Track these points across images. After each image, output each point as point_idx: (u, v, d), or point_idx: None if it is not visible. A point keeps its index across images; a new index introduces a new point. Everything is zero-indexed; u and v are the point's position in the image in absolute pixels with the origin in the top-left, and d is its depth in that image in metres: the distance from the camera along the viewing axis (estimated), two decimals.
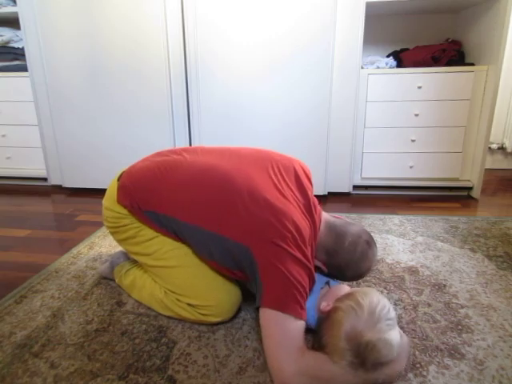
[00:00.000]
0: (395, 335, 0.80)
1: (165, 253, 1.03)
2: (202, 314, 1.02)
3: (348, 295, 0.88)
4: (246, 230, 0.90)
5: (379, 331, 0.78)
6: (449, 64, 2.09)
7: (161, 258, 1.04)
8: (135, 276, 1.17)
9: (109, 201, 1.09)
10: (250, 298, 1.17)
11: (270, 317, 0.85)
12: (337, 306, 0.87)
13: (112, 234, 1.13)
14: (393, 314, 0.82)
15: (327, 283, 1.04)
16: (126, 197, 1.05)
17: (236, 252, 0.91)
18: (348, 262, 1.01)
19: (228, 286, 1.04)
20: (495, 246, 1.50)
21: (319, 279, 1.02)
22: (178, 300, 1.04)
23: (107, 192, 1.11)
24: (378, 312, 0.81)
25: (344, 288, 0.98)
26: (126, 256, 1.27)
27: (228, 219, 0.92)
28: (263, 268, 0.87)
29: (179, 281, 1.03)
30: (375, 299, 0.84)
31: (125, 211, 1.05)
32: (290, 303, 0.84)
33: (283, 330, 0.83)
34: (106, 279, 1.29)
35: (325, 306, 0.91)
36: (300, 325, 0.85)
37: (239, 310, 1.11)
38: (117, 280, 1.24)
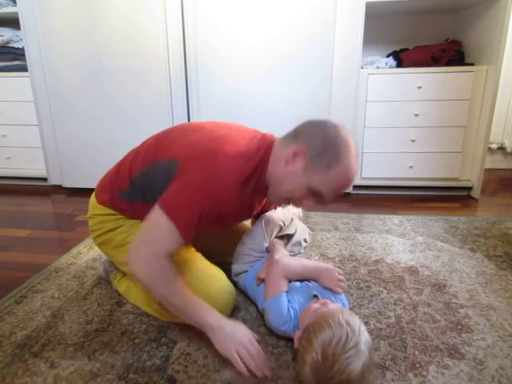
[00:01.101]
0: (357, 365, 0.72)
1: None
2: None
3: (305, 329, 0.83)
4: (183, 144, 0.95)
5: (339, 373, 0.71)
6: (449, 64, 2.09)
7: None
8: (128, 284, 1.17)
9: (90, 210, 1.13)
10: (249, 298, 1.17)
11: (155, 216, 0.87)
12: (298, 348, 0.83)
13: (101, 245, 1.14)
14: (352, 342, 0.74)
15: (315, 296, 0.99)
16: (102, 192, 1.10)
17: (169, 169, 0.93)
18: (328, 144, 0.91)
19: (220, 284, 1.03)
20: (495, 246, 1.50)
21: (306, 290, 1.01)
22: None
23: (89, 205, 1.14)
24: (332, 352, 0.72)
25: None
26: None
27: (175, 143, 0.97)
28: (181, 177, 0.89)
29: None
30: (327, 334, 0.75)
31: (107, 210, 1.07)
32: (180, 216, 0.86)
33: (157, 232, 0.87)
34: (106, 279, 1.29)
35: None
36: (175, 240, 0.86)
37: (239, 310, 1.11)
38: (113, 285, 1.24)
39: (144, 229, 0.89)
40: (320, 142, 0.92)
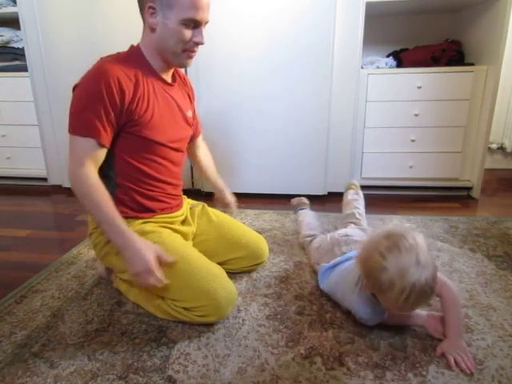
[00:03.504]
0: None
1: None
2: (199, 316, 1.01)
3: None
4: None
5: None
6: (448, 64, 2.09)
7: None
8: (130, 282, 1.16)
9: (90, 226, 1.16)
10: (248, 299, 1.17)
11: (69, 142, 0.99)
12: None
13: (105, 257, 1.14)
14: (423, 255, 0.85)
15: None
16: None
17: None
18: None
19: (221, 282, 1.03)
20: (495, 246, 1.50)
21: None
22: (174, 305, 1.03)
23: (88, 226, 1.17)
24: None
25: None
26: None
27: None
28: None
29: (171, 284, 1.00)
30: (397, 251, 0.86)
31: None
32: (80, 124, 0.97)
33: (73, 149, 0.99)
34: (107, 279, 1.29)
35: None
36: (89, 145, 0.97)
37: (239, 310, 1.11)
38: (114, 284, 1.24)
39: (68, 154, 1.00)
40: None
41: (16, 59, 2.35)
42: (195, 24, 1.00)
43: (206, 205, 1.36)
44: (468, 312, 1.09)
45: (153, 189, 1.13)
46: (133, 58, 1.06)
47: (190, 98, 1.26)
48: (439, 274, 0.92)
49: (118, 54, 1.07)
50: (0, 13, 2.26)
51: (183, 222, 1.25)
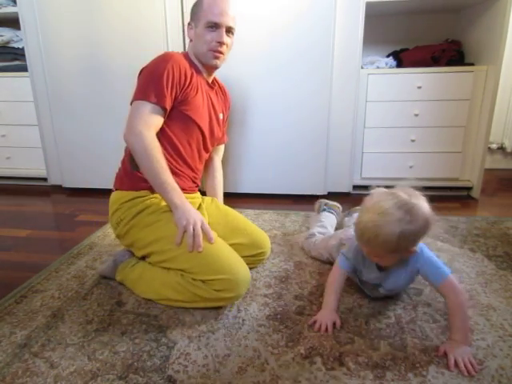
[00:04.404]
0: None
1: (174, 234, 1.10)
2: (216, 290, 1.05)
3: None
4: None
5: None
6: (448, 64, 2.09)
7: (173, 241, 1.09)
8: (144, 268, 1.19)
9: (114, 205, 1.23)
10: (248, 299, 1.17)
11: (131, 108, 1.15)
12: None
13: (129, 232, 1.19)
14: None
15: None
16: (121, 182, 1.24)
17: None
18: (194, 3, 1.24)
19: (240, 261, 1.12)
20: (495, 246, 1.50)
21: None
22: (193, 279, 1.07)
23: (110, 205, 1.26)
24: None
25: None
26: (131, 253, 1.28)
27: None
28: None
29: (191, 259, 1.06)
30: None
31: (131, 194, 1.19)
32: (148, 93, 1.13)
33: (138, 111, 1.13)
34: (106, 279, 1.29)
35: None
36: (155, 110, 1.13)
37: (239, 310, 1.11)
38: (119, 277, 1.24)
39: (131, 116, 1.13)
40: (192, 9, 1.26)
41: (16, 59, 2.35)
42: (216, 26, 1.20)
43: (215, 199, 1.46)
44: (468, 312, 1.09)
45: (180, 168, 1.27)
46: (186, 57, 1.27)
47: (225, 104, 1.45)
48: (453, 278, 0.97)
49: (175, 53, 1.25)
50: (0, 13, 2.26)
51: (198, 208, 1.34)
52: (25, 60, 2.21)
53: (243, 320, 1.07)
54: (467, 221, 1.77)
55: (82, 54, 2.08)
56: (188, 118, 1.22)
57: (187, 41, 2.01)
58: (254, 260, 1.33)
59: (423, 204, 0.93)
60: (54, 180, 2.41)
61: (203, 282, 1.06)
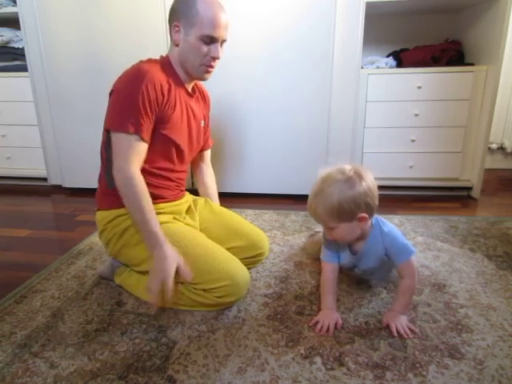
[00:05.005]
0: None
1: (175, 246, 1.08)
2: (218, 297, 1.06)
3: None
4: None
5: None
6: (449, 64, 2.09)
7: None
8: (141, 275, 1.18)
9: (100, 225, 1.20)
10: (248, 299, 1.17)
11: (112, 138, 1.06)
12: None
13: (122, 250, 1.17)
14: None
15: None
16: (102, 200, 1.19)
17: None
18: (185, 4, 1.08)
19: (238, 263, 1.11)
20: (495, 246, 1.50)
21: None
22: (194, 288, 1.07)
23: (97, 225, 1.21)
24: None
25: None
26: None
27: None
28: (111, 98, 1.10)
29: (191, 269, 1.05)
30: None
31: (114, 213, 1.15)
32: (125, 121, 1.04)
33: (120, 147, 1.05)
34: (106, 279, 1.29)
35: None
36: (135, 142, 1.05)
37: (239, 310, 1.11)
38: (118, 280, 1.24)
39: (113, 152, 1.06)
40: (181, 8, 1.09)
41: (16, 59, 2.35)
42: (212, 40, 1.10)
43: (208, 199, 1.41)
44: (468, 312, 1.09)
45: (160, 182, 1.20)
46: (165, 66, 1.15)
47: (206, 108, 1.37)
48: (413, 260, 1.03)
49: (151, 60, 1.15)
50: (0, 13, 2.26)
51: (188, 211, 1.31)
52: (25, 60, 2.21)
53: (243, 320, 1.07)
54: (467, 221, 1.77)
55: (81, 54, 2.08)
56: (165, 137, 1.14)
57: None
58: (253, 261, 1.33)
59: (366, 173, 0.99)
60: (54, 180, 2.41)
61: (204, 290, 1.06)
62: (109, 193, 1.14)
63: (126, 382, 0.86)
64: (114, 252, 1.20)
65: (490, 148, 2.63)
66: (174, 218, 1.21)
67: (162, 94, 1.08)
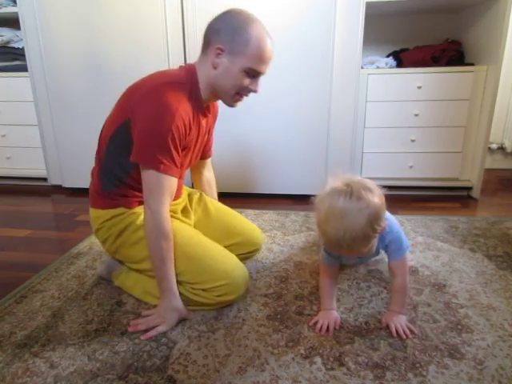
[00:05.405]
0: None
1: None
2: (217, 296, 1.06)
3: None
4: (127, 102, 1.05)
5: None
6: (449, 64, 2.09)
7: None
8: (139, 276, 1.18)
9: (95, 223, 1.18)
10: (248, 299, 1.17)
11: (145, 175, 1.00)
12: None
13: (119, 250, 1.16)
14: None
15: None
16: (95, 199, 1.16)
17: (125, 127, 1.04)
18: (235, 30, 1.00)
19: (236, 261, 1.11)
20: (495, 246, 1.50)
21: None
22: (192, 288, 1.07)
23: (91, 222, 1.19)
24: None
25: None
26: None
27: (119, 108, 1.09)
28: (138, 124, 1.00)
29: (188, 269, 1.06)
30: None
31: (109, 213, 1.13)
32: (160, 160, 0.98)
33: (155, 185, 1.00)
34: (105, 280, 1.29)
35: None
36: (170, 181, 1.02)
37: (239, 310, 1.11)
38: (117, 282, 1.24)
39: (144, 188, 1.01)
40: (228, 31, 1.00)
41: (16, 59, 2.35)
42: (255, 74, 1.06)
43: (203, 193, 1.39)
44: (468, 312, 1.09)
45: None
46: (192, 93, 1.06)
47: (213, 120, 1.30)
48: (406, 257, 1.04)
49: (175, 86, 1.03)
50: (0, 13, 2.26)
51: (183, 211, 1.29)
52: (25, 60, 2.21)
53: (243, 320, 1.07)
54: (467, 221, 1.77)
55: (82, 54, 2.08)
56: None
57: (187, 41, 2.03)
58: (248, 256, 1.34)
59: (362, 181, 0.93)
60: (54, 180, 2.41)
61: (203, 290, 1.06)
62: (104, 194, 1.13)
63: (126, 382, 0.86)
64: (111, 250, 1.19)
65: (490, 148, 2.63)
66: (171, 216, 1.20)
67: (189, 128, 1.05)
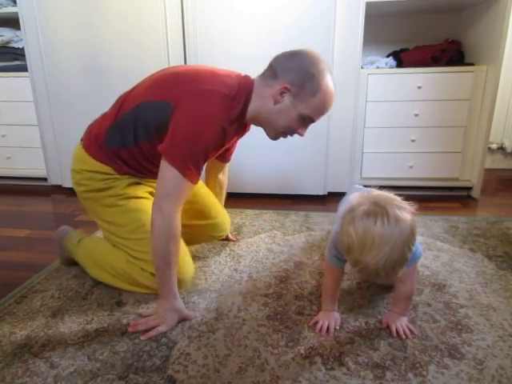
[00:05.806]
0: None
1: (142, 225, 1.11)
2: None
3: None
4: (175, 88, 1.02)
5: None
6: (449, 64, 2.09)
7: (138, 230, 1.12)
8: (88, 248, 1.24)
9: (76, 163, 1.18)
10: (248, 299, 1.17)
11: (167, 172, 0.97)
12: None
13: (86, 200, 1.20)
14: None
15: None
16: (90, 143, 1.15)
17: (160, 111, 1.01)
18: (307, 76, 0.99)
19: (189, 257, 1.19)
20: (495, 246, 1.50)
21: None
22: (143, 269, 1.12)
23: (74, 157, 1.21)
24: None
25: None
26: (69, 227, 1.36)
27: (165, 86, 1.05)
28: (178, 122, 0.98)
29: (148, 251, 1.06)
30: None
31: (95, 166, 1.13)
32: (187, 166, 0.97)
33: (173, 187, 0.98)
34: (68, 264, 1.36)
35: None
36: (188, 188, 1.00)
37: (239, 310, 1.11)
38: (75, 257, 1.30)
39: (161, 186, 0.99)
40: (300, 75, 1.00)
41: (16, 59, 2.35)
42: (309, 122, 1.07)
43: None
44: (468, 312, 1.09)
45: (150, 167, 1.17)
46: (241, 105, 1.05)
47: (239, 137, 1.29)
48: (416, 265, 1.00)
49: (228, 87, 1.03)
50: (0, 13, 2.26)
51: None
52: (25, 60, 2.21)
53: (243, 320, 1.07)
54: (467, 221, 1.77)
55: (82, 54, 2.08)
56: None
57: (187, 41, 2.03)
58: (213, 238, 1.45)
59: (390, 197, 0.85)
60: (54, 180, 2.41)
61: (152, 274, 1.09)
62: (103, 147, 1.12)
63: (126, 382, 0.86)
64: (80, 195, 1.22)
65: (489, 148, 2.63)
66: (150, 193, 1.22)
67: (223, 145, 1.09)
